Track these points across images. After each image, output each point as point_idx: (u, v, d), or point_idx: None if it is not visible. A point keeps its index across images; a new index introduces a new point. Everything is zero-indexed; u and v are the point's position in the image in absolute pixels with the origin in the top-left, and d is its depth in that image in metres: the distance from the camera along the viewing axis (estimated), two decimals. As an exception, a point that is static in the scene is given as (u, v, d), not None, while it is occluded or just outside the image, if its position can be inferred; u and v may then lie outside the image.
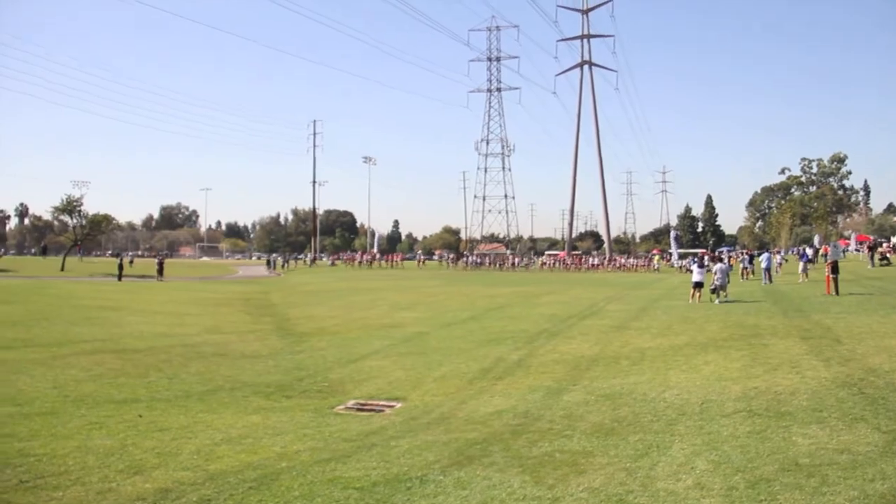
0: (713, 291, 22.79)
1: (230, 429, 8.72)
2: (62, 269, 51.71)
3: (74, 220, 59.33)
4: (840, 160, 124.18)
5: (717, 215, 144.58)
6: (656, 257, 70.21)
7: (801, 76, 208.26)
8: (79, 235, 60.27)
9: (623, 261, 71.00)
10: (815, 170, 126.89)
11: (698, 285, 22.99)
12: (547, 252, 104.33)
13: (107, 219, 63.61)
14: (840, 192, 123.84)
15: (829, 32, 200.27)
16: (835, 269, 23.77)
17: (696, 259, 37.97)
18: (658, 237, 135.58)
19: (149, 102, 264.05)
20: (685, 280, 32.37)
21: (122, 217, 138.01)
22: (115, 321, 20.06)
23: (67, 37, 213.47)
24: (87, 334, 17.12)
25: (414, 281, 44.93)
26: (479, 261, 79.04)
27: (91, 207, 70.02)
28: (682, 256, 68.72)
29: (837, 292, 22.99)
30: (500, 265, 74.76)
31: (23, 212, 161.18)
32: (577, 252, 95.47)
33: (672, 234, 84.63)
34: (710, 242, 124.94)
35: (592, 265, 70.37)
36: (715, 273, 23.38)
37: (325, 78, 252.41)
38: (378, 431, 8.57)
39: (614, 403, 9.03)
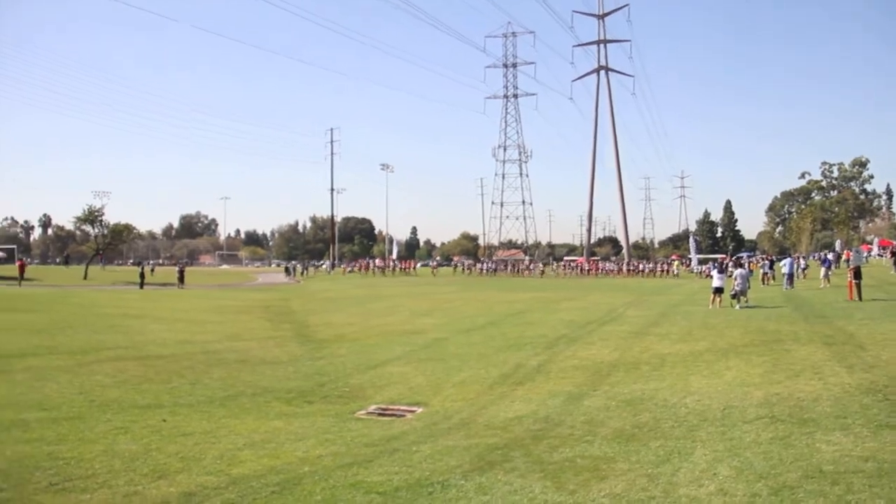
0: (733, 297, 22.65)
1: (252, 434, 8.79)
2: (85, 278, 52.28)
3: (96, 230, 59.95)
4: (862, 164, 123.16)
5: (736, 220, 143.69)
6: (675, 263, 69.80)
7: (822, 78, 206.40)
8: (101, 245, 60.91)
9: (640, 266, 70.47)
10: (836, 174, 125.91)
11: (718, 291, 22.86)
12: (565, 258, 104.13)
13: (128, 228, 64.24)
14: (862, 197, 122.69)
15: (850, 35, 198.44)
16: (857, 274, 23.53)
17: (716, 264, 37.73)
18: (677, 243, 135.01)
19: (165, 109, 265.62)
20: (705, 286, 32.16)
21: (142, 226, 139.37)
22: (138, 329, 20.26)
23: (81, 44, 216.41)
24: (110, 342, 17.31)
25: (431, 287, 44.98)
26: (494, 267, 78.98)
27: (111, 217, 70.77)
28: (701, 262, 68.24)
29: (860, 298, 22.76)
30: (514, 270, 74.56)
31: (46, 222, 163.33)
32: (594, 258, 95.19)
33: (691, 239, 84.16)
34: (730, 248, 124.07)
35: (609, 271, 70.05)
36: (735, 278, 23.25)
37: (340, 84, 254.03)
38: (399, 436, 8.61)
39: (635, 409, 9.02)
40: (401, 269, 76.72)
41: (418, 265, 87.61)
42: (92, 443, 7.86)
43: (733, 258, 66.21)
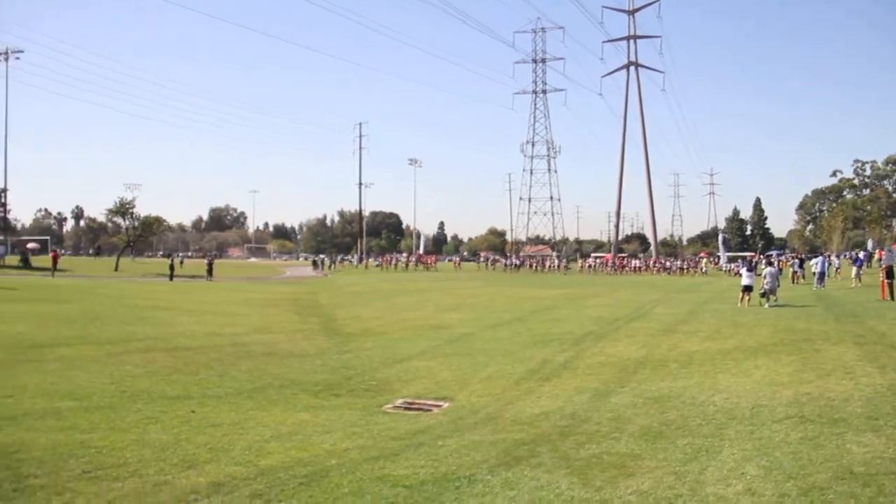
0: (763, 295, 22.39)
1: (280, 426, 8.87)
2: (116, 270, 53.02)
3: (127, 222, 60.73)
4: (895, 162, 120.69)
5: (766, 218, 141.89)
6: (704, 260, 69.08)
7: (855, 76, 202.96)
8: (131, 237, 61.72)
9: (668, 264, 69.68)
10: (868, 172, 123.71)
11: (747, 289, 22.60)
12: (593, 254, 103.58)
13: (158, 220, 65.09)
14: (895, 196, 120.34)
15: (879, 33, 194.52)
16: (890, 273, 23.14)
17: (745, 262, 37.30)
18: (705, 240, 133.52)
19: (196, 103, 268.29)
20: (733, 283, 31.83)
21: (172, 219, 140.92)
22: (167, 320, 20.52)
23: (106, 39, 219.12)
24: (140, 333, 17.54)
25: (457, 283, 44.99)
26: (519, 262, 78.72)
27: (142, 209, 71.70)
28: (730, 260, 67.48)
29: (893, 297, 22.40)
30: (539, 267, 74.18)
31: (78, 214, 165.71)
32: (621, 255, 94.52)
33: (720, 237, 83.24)
34: (759, 246, 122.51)
35: (636, 268, 69.41)
36: (764, 277, 22.98)
37: (370, 79, 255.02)
38: (426, 430, 8.63)
39: (662, 406, 8.96)
40: (423, 264, 76.54)
41: (445, 259, 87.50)
42: (123, 432, 7.99)
43: (763, 256, 65.40)
